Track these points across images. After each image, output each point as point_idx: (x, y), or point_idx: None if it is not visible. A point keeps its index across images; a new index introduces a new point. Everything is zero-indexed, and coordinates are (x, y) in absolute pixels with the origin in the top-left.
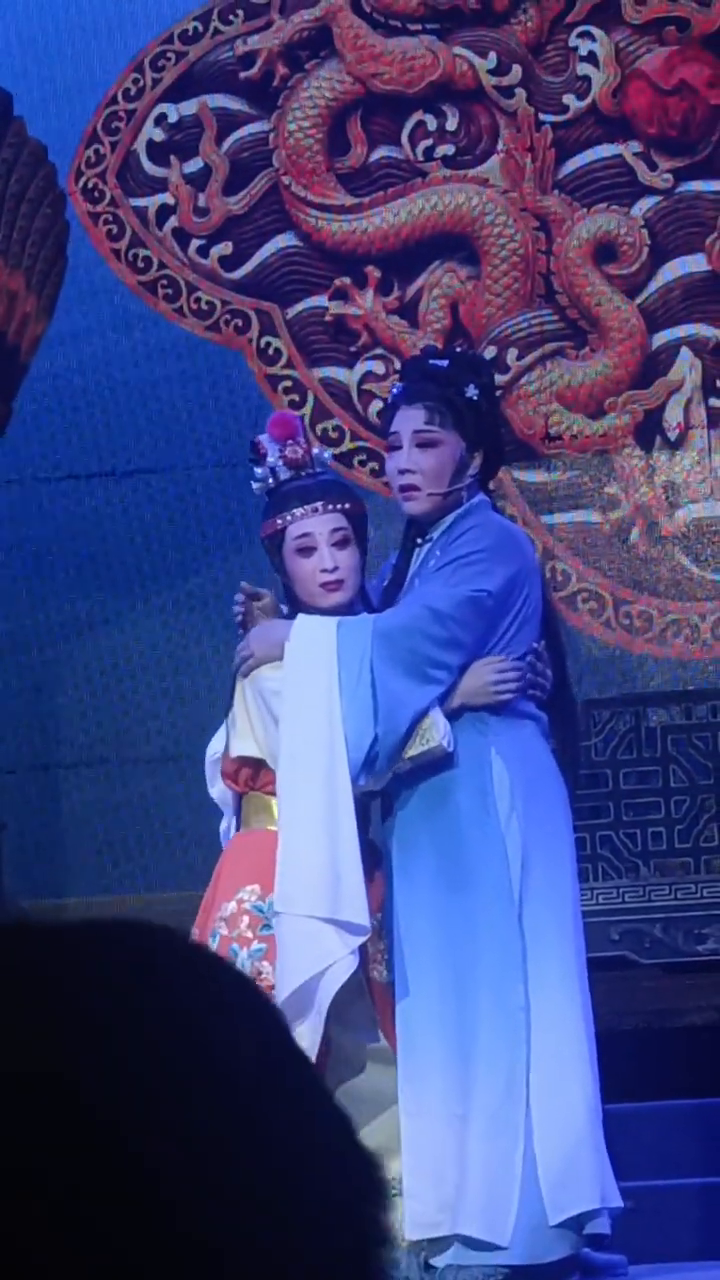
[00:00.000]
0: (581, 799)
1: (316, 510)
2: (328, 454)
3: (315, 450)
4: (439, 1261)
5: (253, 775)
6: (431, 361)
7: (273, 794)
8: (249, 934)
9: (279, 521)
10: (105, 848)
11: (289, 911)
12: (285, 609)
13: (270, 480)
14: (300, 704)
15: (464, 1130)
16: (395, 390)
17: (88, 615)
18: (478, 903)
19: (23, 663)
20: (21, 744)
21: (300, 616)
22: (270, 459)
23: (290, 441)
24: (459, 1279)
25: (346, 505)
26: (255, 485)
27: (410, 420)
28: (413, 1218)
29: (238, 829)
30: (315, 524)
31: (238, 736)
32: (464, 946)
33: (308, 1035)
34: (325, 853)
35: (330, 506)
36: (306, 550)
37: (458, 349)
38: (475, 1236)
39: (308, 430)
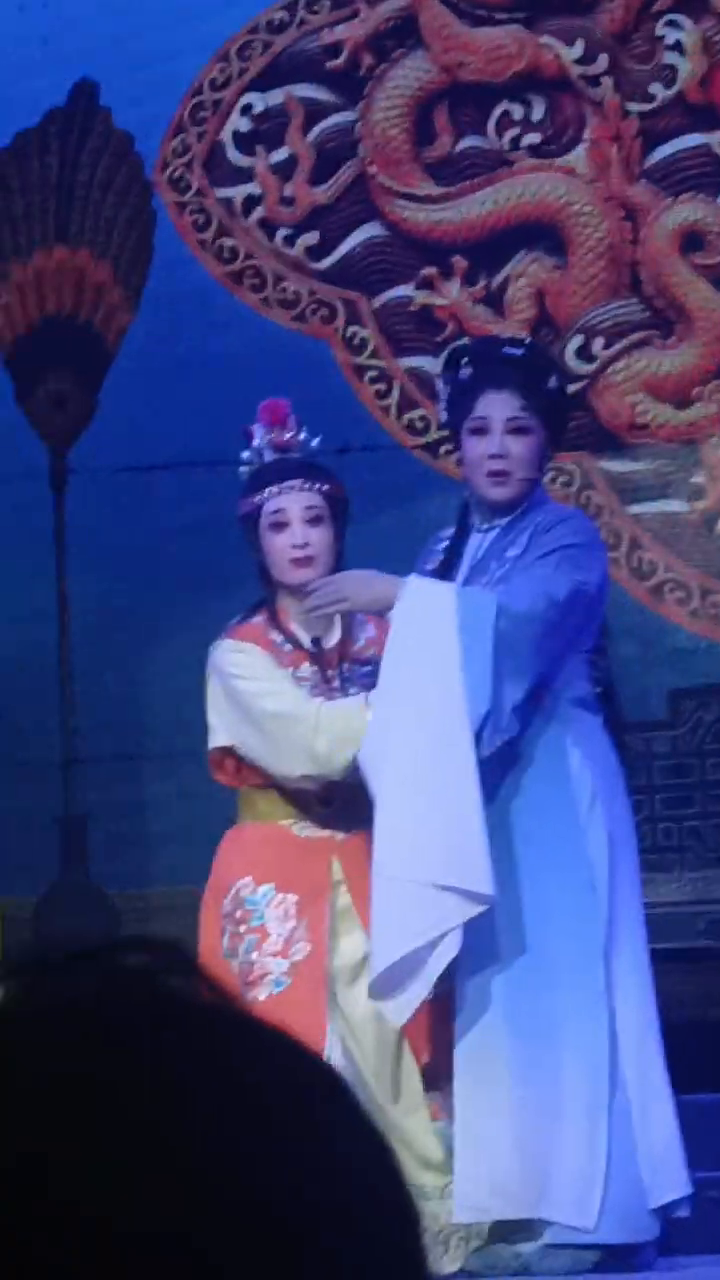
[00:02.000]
0: (668, 789)
1: (292, 488)
2: (315, 441)
3: (304, 437)
4: (527, 1247)
5: (238, 766)
6: (507, 349)
7: (259, 786)
8: (241, 929)
9: (255, 499)
10: (189, 838)
11: (401, 877)
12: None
13: (256, 462)
14: (419, 666)
15: (536, 1115)
16: (466, 372)
17: (173, 605)
18: (557, 890)
19: (107, 653)
20: (107, 735)
21: (412, 577)
22: (257, 442)
23: (278, 426)
24: (553, 1263)
25: (324, 485)
26: (242, 470)
27: (502, 406)
28: (463, 1200)
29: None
30: (289, 500)
31: (214, 727)
32: (540, 933)
33: (407, 1006)
34: (446, 818)
35: (306, 485)
36: (279, 526)
37: (525, 339)
38: (564, 1222)
39: (295, 417)
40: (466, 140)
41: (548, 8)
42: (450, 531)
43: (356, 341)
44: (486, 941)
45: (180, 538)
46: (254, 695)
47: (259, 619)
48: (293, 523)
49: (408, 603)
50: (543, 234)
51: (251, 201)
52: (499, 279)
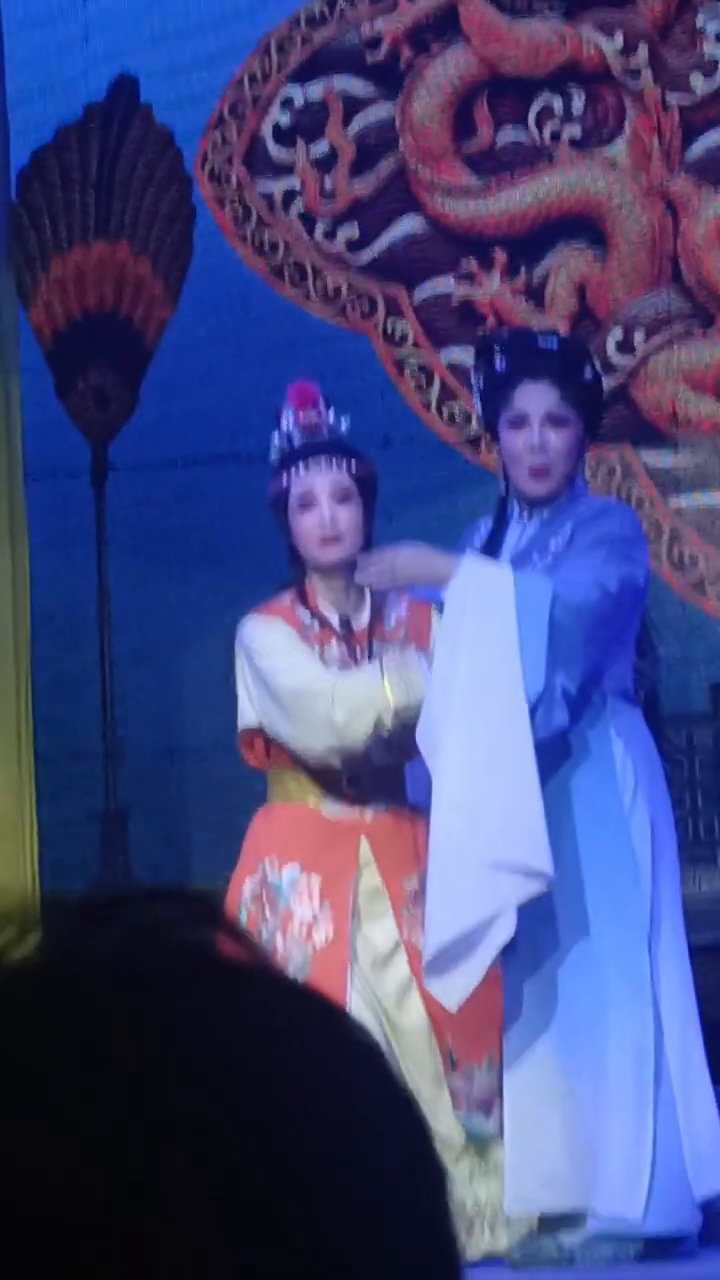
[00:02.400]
0: (708, 783)
1: (319, 468)
2: (345, 423)
3: (332, 418)
4: (572, 1239)
5: (266, 747)
6: (542, 341)
7: (288, 767)
8: (265, 911)
9: (284, 480)
10: (230, 832)
11: (460, 855)
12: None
13: (285, 445)
14: (477, 645)
15: (583, 1106)
16: (501, 364)
17: (214, 600)
18: (601, 881)
19: (148, 647)
20: (145, 729)
21: (467, 555)
22: (286, 424)
23: (307, 408)
24: (597, 1254)
25: (351, 465)
26: (272, 454)
27: (540, 398)
28: (514, 1193)
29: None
30: (316, 480)
31: (242, 706)
32: (586, 923)
33: (461, 989)
34: (505, 796)
35: (333, 464)
36: (306, 506)
37: (557, 331)
38: (611, 1212)
39: (325, 400)
40: (506, 133)
41: (588, 1)
42: (489, 521)
43: (397, 335)
44: (534, 930)
45: (220, 533)
46: (275, 672)
47: (287, 597)
48: (320, 502)
49: (465, 580)
50: (583, 226)
51: (291, 195)
52: (539, 272)
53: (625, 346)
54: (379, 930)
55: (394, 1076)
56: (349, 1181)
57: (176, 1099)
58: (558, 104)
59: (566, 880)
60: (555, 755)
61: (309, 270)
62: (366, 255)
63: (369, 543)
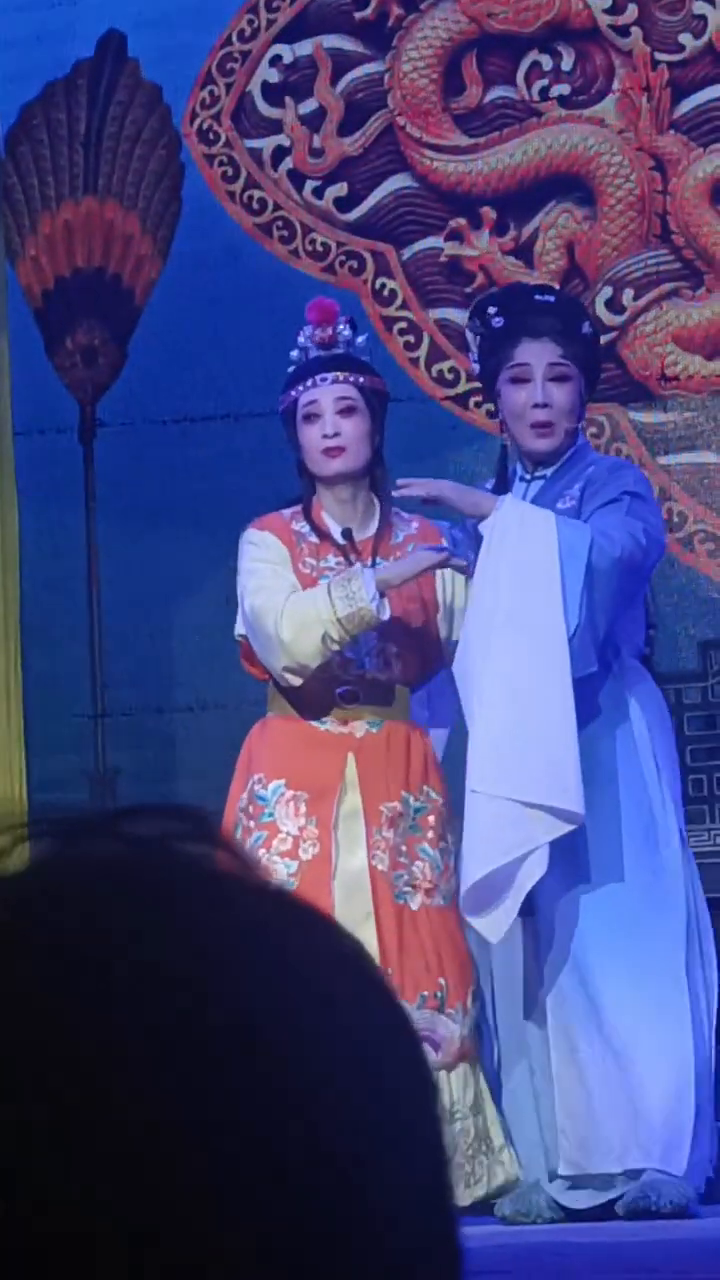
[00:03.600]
0: (698, 740)
1: (326, 380)
2: (362, 339)
3: (347, 333)
4: (623, 1199)
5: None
6: (539, 296)
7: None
8: (252, 824)
9: (293, 393)
10: (219, 791)
11: (494, 794)
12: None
13: (301, 359)
14: (519, 582)
15: (627, 1068)
16: (499, 321)
17: (202, 559)
18: (631, 840)
19: (138, 606)
20: (136, 688)
21: (507, 497)
22: (303, 340)
23: (324, 324)
24: (650, 1204)
25: (359, 378)
26: (290, 370)
27: (542, 353)
28: (565, 1156)
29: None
30: (323, 393)
31: (239, 617)
32: (620, 882)
33: (499, 923)
34: (542, 735)
35: (342, 378)
36: (312, 418)
37: (554, 287)
38: (659, 1169)
39: (349, 319)
40: (495, 91)
41: None
42: (490, 483)
43: (386, 293)
44: (567, 887)
45: (210, 489)
46: (245, 591)
47: (288, 510)
48: (325, 413)
49: (508, 515)
50: (572, 185)
51: (280, 153)
52: (528, 230)
53: (614, 306)
54: (351, 855)
55: (387, 988)
56: (342, 1089)
57: (168, 1005)
58: (547, 62)
59: (604, 837)
60: (582, 717)
61: (298, 228)
62: (355, 213)
63: (378, 458)
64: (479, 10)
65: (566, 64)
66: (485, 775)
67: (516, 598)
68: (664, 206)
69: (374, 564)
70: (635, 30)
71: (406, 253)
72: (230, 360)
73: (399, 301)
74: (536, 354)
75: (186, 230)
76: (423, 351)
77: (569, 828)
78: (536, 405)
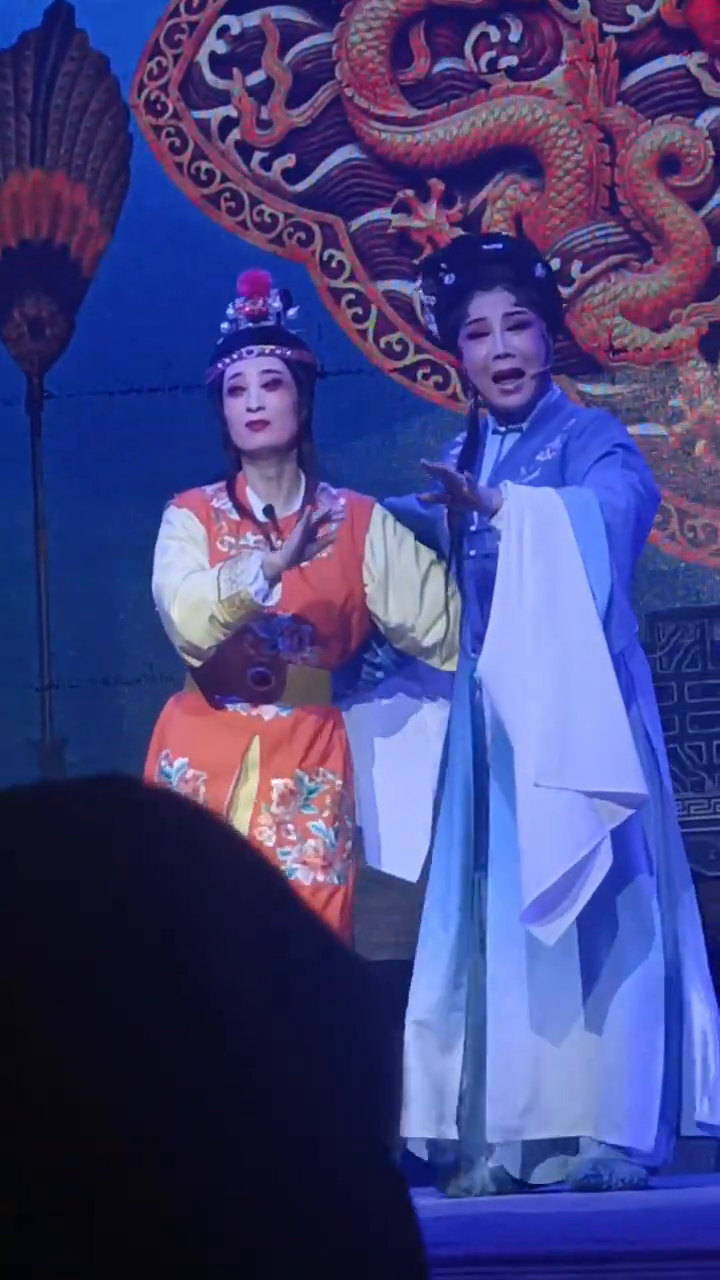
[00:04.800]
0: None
1: (252, 353)
2: (293, 311)
3: (278, 305)
4: (573, 1174)
5: None
6: (487, 245)
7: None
8: None
9: (219, 365)
10: None
11: (561, 786)
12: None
13: (231, 331)
14: (541, 570)
15: (588, 1038)
16: (450, 279)
17: (151, 530)
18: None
19: (84, 577)
20: (83, 659)
21: (509, 486)
22: (231, 312)
23: (255, 296)
24: (602, 1182)
25: (285, 350)
26: (219, 342)
27: (496, 304)
28: (494, 1123)
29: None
30: (248, 365)
31: None
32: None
33: (560, 926)
34: (594, 721)
35: (268, 350)
36: (236, 390)
37: (498, 232)
38: (621, 1144)
39: (281, 291)
40: (443, 63)
41: None
42: (462, 437)
43: (334, 265)
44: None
45: (158, 461)
46: (155, 568)
47: (212, 486)
48: (249, 386)
49: (514, 506)
50: (520, 156)
51: (228, 124)
52: (476, 201)
53: (562, 277)
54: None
55: (315, 919)
56: (282, 1002)
57: (102, 919)
58: (494, 33)
59: None
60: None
61: (245, 199)
62: (303, 184)
63: (306, 432)
64: None
65: (514, 36)
66: (548, 769)
67: (542, 589)
68: (612, 178)
69: None
70: (583, 2)
71: (354, 224)
72: (178, 332)
73: (347, 273)
74: (491, 305)
75: (134, 202)
76: (370, 323)
77: (630, 812)
78: (498, 356)
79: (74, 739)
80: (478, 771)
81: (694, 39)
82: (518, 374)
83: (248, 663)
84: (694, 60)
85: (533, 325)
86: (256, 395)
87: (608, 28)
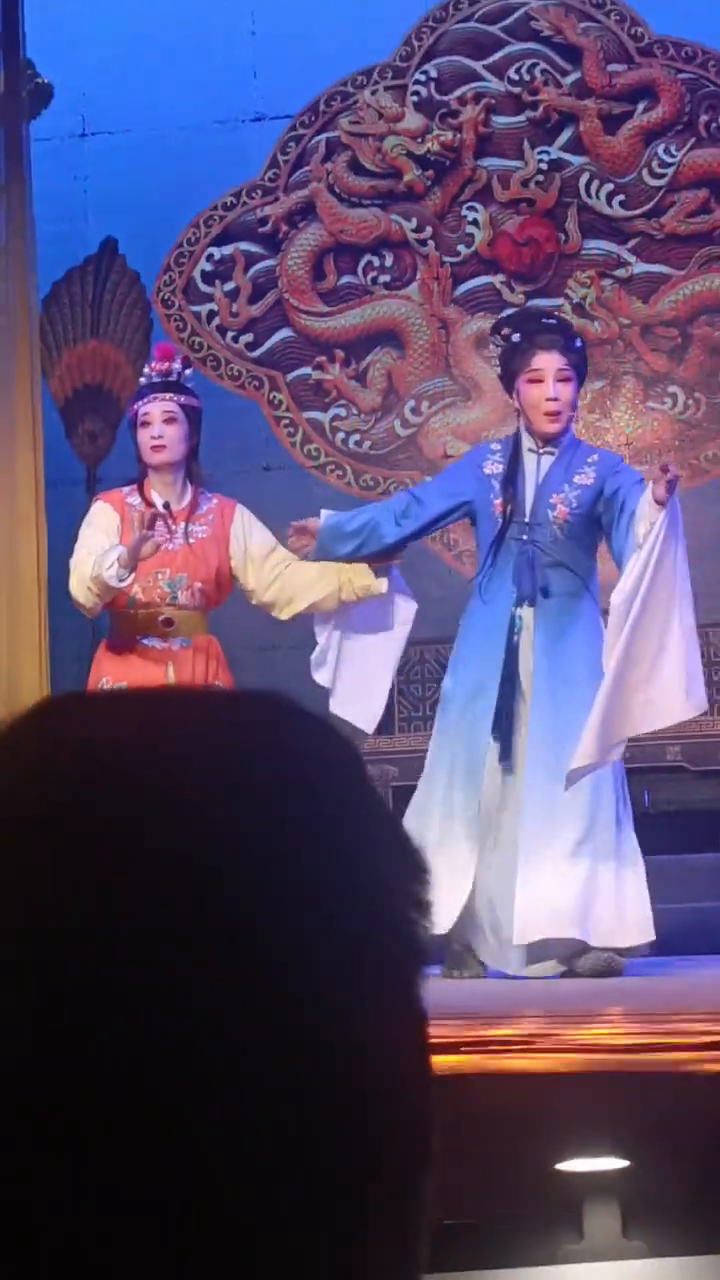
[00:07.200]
0: None
1: (157, 398)
2: (190, 372)
3: (178, 367)
4: (584, 963)
5: None
6: (546, 319)
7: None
8: None
9: (135, 406)
10: None
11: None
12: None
13: (145, 383)
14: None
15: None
16: (516, 337)
17: None
18: (582, 691)
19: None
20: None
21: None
22: (147, 370)
23: (163, 360)
24: (595, 965)
25: (180, 397)
26: (136, 390)
27: (553, 361)
28: (522, 924)
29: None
30: (153, 406)
31: None
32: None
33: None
34: (677, 658)
35: (167, 397)
36: (144, 424)
37: (555, 312)
38: (605, 941)
39: (186, 358)
40: (345, 278)
41: (395, 197)
42: (498, 445)
43: (276, 402)
44: (544, 746)
45: None
46: (77, 545)
47: (127, 487)
48: (153, 422)
49: (673, 507)
50: (391, 337)
51: (211, 314)
52: (364, 364)
53: (415, 411)
54: None
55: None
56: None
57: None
58: (376, 261)
59: (563, 699)
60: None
61: (221, 361)
62: (258, 352)
63: (194, 454)
64: (335, 228)
65: (389, 262)
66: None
67: (681, 566)
68: (447, 351)
69: (185, 528)
70: (431, 242)
71: (289, 377)
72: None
73: (284, 407)
74: (548, 361)
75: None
76: (298, 438)
77: (672, 722)
78: (549, 399)
79: None
80: (505, 689)
81: (498, 266)
82: (559, 414)
83: (157, 610)
84: (498, 279)
85: (572, 381)
86: (159, 429)
87: (446, 258)
